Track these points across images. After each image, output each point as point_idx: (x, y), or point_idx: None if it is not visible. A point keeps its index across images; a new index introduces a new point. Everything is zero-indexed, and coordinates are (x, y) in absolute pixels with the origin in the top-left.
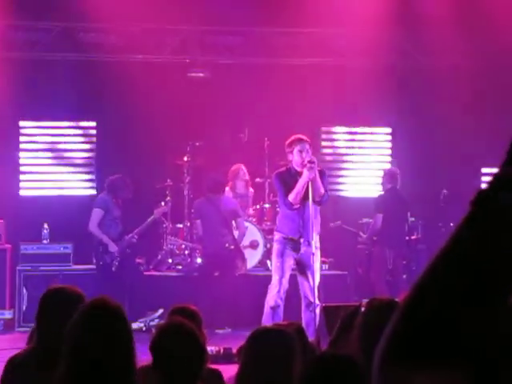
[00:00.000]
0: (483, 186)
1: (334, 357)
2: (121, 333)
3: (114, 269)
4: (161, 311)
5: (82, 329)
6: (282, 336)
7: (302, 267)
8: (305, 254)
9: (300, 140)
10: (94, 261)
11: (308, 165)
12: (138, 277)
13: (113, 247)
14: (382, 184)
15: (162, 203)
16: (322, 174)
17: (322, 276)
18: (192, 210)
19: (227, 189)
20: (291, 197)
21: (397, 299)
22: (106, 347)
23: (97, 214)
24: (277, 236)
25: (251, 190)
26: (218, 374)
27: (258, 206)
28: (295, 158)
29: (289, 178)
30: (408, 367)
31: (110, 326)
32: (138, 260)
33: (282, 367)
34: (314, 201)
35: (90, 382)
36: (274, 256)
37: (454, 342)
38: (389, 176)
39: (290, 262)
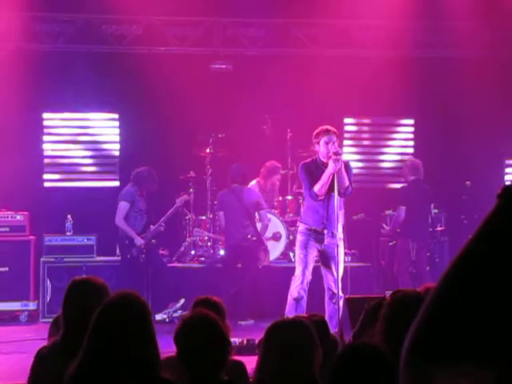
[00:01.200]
0: (507, 177)
1: (364, 347)
2: (144, 329)
3: (141, 261)
4: (182, 301)
5: (106, 324)
6: (298, 327)
7: (326, 259)
8: (328, 245)
9: (327, 131)
10: (120, 254)
11: (333, 156)
12: (163, 268)
13: (139, 241)
14: (405, 176)
15: (183, 192)
16: (346, 166)
17: (345, 268)
18: (215, 202)
19: (254, 182)
20: (316, 188)
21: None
22: (132, 344)
23: (123, 207)
24: (301, 227)
25: (277, 182)
26: (241, 366)
27: (280, 198)
28: (321, 149)
29: (315, 169)
30: (431, 367)
31: (134, 323)
32: (161, 252)
33: (299, 358)
34: (338, 193)
35: (113, 375)
36: (297, 247)
37: (477, 342)
38: (411, 167)
39: (313, 254)
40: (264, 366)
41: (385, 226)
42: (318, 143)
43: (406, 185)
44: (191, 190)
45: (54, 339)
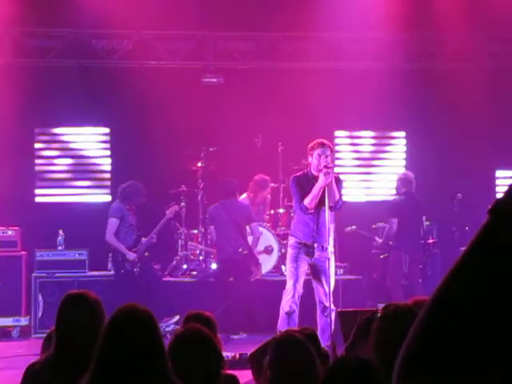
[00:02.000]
0: (498, 188)
1: (354, 360)
2: (154, 342)
3: (136, 275)
4: (177, 317)
5: (113, 341)
6: (302, 345)
7: (317, 272)
8: (319, 259)
9: (322, 144)
10: (114, 270)
11: (324, 170)
12: (157, 281)
13: (131, 255)
14: (397, 188)
15: (173, 203)
16: (337, 180)
17: (337, 281)
18: (206, 216)
19: (244, 195)
20: (307, 201)
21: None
22: (140, 360)
23: (112, 223)
24: (291, 241)
25: (268, 196)
26: (234, 380)
27: (272, 211)
28: (313, 162)
29: (305, 183)
30: (425, 381)
31: (143, 337)
32: (154, 265)
33: (306, 375)
34: (328, 206)
35: None
36: (288, 261)
37: (471, 357)
38: (403, 180)
39: (304, 267)
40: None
41: (377, 238)
42: (312, 155)
43: (397, 197)
44: (183, 203)
45: (46, 354)
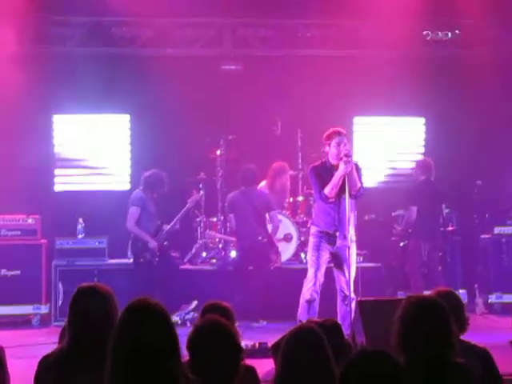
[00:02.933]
0: None
1: (374, 352)
2: (165, 336)
3: (154, 264)
4: (195, 303)
5: (126, 334)
6: (316, 336)
7: (338, 261)
8: (340, 247)
9: (338, 133)
10: (133, 258)
11: (344, 158)
12: (176, 270)
13: (153, 243)
14: (416, 175)
15: (194, 191)
16: (357, 168)
17: (357, 269)
18: (226, 204)
19: (263, 183)
20: (327, 190)
21: (429, 292)
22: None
23: (134, 211)
24: (312, 230)
25: (287, 183)
26: (252, 371)
27: (291, 199)
28: (332, 151)
29: (324, 172)
30: None
31: (154, 330)
32: (172, 254)
33: (318, 367)
34: (350, 194)
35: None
36: (309, 249)
37: None
38: (422, 167)
39: (325, 256)
40: (282, 376)
41: (396, 226)
42: (329, 145)
43: (416, 185)
44: (202, 191)
45: (60, 346)
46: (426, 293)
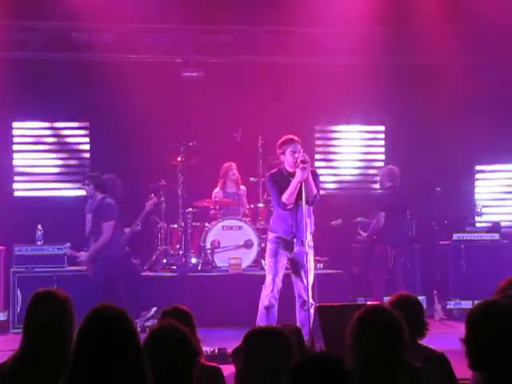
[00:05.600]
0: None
1: (321, 356)
2: (129, 343)
3: (115, 270)
4: (154, 309)
5: (89, 341)
6: (279, 336)
7: (296, 267)
8: (298, 253)
9: (292, 140)
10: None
11: (301, 165)
12: (136, 276)
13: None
14: (381, 182)
15: (152, 195)
16: (314, 174)
17: (316, 275)
18: (186, 210)
19: (217, 189)
20: (285, 197)
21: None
22: (117, 359)
23: (111, 226)
24: (270, 236)
25: (243, 187)
26: (217, 371)
27: (252, 206)
28: (288, 159)
29: (281, 180)
30: None
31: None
32: (133, 260)
33: (279, 367)
34: (306, 201)
35: None
36: (267, 255)
37: None
38: (388, 174)
39: (283, 262)
40: (243, 374)
41: (361, 232)
42: (284, 153)
43: (383, 191)
44: (162, 198)
45: (14, 353)
46: (387, 299)
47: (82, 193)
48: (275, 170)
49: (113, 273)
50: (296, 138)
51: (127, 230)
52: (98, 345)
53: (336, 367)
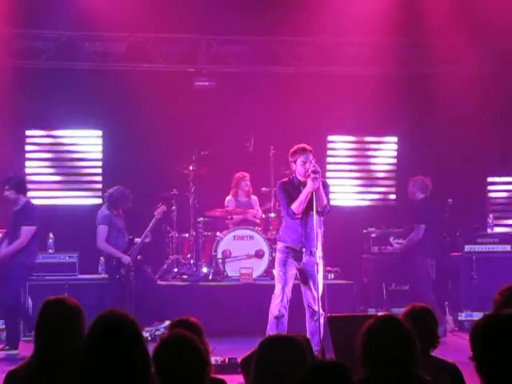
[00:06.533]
0: (489, 195)
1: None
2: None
3: (131, 279)
4: (167, 323)
5: (98, 348)
6: (294, 344)
7: (305, 277)
8: (307, 263)
9: (304, 150)
10: (108, 275)
11: (312, 175)
12: (152, 285)
13: (126, 259)
14: (413, 193)
15: (160, 203)
16: (325, 185)
17: (327, 285)
18: (198, 219)
19: (229, 197)
20: (294, 206)
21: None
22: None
23: (102, 230)
24: (279, 245)
25: (254, 197)
26: (222, 383)
27: (263, 216)
28: (299, 169)
29: (292, 189)
30: None
31: (126, 348)
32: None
33: (293, 375)
34: (316, 211)
35: None
36: (276, 265)
37: None
38: (421, 185)
39: (292, 272)
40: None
41: (394, 243)
42: (295, 162)
43: (419, 203)
44: (174, 207)
45: (26, 360)
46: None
47: (94, 201)
48: (286, 178)
49: (25, 280)
50: (308, 147)
51: (137, 240)
52: (103, 349)
53: (342, 374)
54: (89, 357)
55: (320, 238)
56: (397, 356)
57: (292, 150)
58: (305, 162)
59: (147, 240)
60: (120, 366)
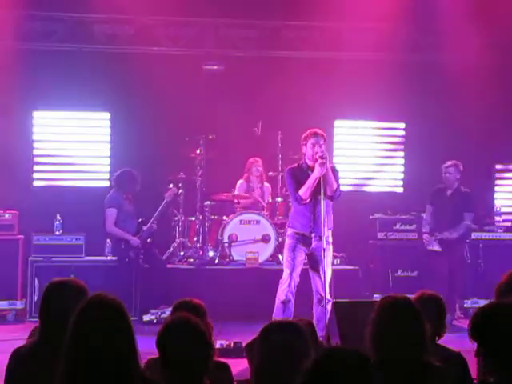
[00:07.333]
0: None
1: (343, 351)
2: (120, 329)
3: (141, 262)
4: None
5: (80, 327)
6: (297, 329)
7: (314, 262)
8: (316, 248)
9: (315, 134)
10: (117, 258)
11: (319, 160)
12: (162, 267)
13: (135, 241)
14: (450, 179)
15: (171, 185)
16: (333, 170)
17: (333, 271)
18: (205, 203)
19: (241, 181)
20: (301, 191)
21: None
22: (105, 344)
23: (111, 213)
24: (289, 231)
25: (267, 184)
26: (225, 367)
27: (270, 200)
28: (308, 151)
29: (300, 174)
30: None
31: (108, 323)
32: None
33: (296, 360)
34: (326, 196)
35: (90, 379)
36: (285, 250)
37: None
38: (458, 169)
39: (301, 257)
40: (260, 367)
41: (446, 233)
42: (306, 145)
43: (467, 191)
44: (181, 190)
45: (32, 339)
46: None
47: (102, 184)
48: (295, 164)
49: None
50: (320, 131)
51: (144, 227)
52: (85, 335)
53: (364, 365)
54: (72, 343)
55: (329, 224)
56: (407, 337)
57: (305, 133)
58: (314, 145)
59: (154, 227)
60: (102, 352)
